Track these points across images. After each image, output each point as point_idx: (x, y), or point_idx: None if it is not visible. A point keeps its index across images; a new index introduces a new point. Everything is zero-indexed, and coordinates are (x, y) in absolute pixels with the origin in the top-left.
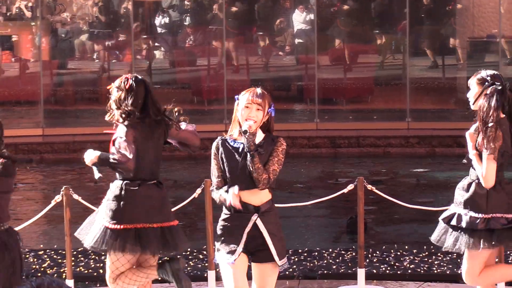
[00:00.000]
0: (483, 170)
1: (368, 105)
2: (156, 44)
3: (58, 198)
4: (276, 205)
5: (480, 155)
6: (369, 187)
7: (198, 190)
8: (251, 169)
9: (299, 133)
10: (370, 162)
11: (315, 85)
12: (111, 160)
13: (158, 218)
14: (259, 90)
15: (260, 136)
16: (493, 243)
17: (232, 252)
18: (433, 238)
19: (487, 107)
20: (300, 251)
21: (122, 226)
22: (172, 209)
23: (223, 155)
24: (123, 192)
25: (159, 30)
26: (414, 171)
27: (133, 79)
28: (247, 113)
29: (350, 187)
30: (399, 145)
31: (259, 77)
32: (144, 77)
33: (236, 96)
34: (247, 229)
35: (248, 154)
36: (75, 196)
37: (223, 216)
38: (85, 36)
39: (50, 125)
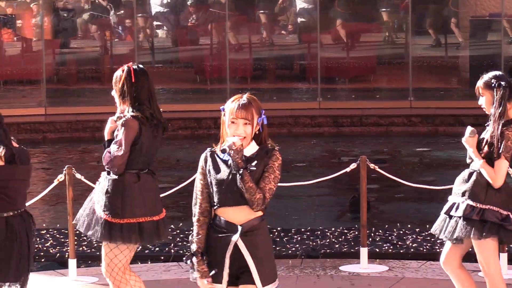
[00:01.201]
0: (497, 169)
1: (370, 84)
2: (159, 22)
3: (60, 177)
4: (279, 184)
5: (488, 161)
6: (372, 166)
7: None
8: (243, 189)
9: (301, 112)
10: (373, 141)
11: (317, 64)
12: (104, 159)
13: (155, 211)
14: (244, 99)
15: (253, 149)
16: (483, 234)
17: (216, 279)
18: (433, 229)
19: (500, 110)
20: (302, 230)
21: (125, 220)
22: (174, 189)
23: (211, 168)
24: (123, 186)
25: (161, 8)
26: (416, 150)
27: (137, 68)
28: (233, 130)
29: (353, 166)
30: (402, 124)
31: (261, 56)
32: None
33: (221, 107)
34: (229, 252)
35: (237, 173)
36: (78, 175)
37: (207, 236)
38: (87, 15)
39: (53, 104)
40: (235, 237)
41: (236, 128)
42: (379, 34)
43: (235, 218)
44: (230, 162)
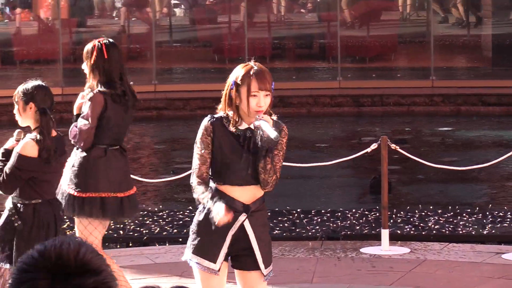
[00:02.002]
0: None
1: (391, 63)
2: (176, 1)
3: None
4: (298, 164)
5: None
6: (393, 146)
7: None
8: (261, 169)
9: (321, 91)
10: (394, 121)
11: (337, 43)
12: (70, 133)
13: (121, 188)
14: (258, 70)
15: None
16: None
17: (211, 258)
18: None
19: None
20: (323, 211)
21: (87, 194)
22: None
23: (221, 142)
24: (87, 161)
25: None
26: (438, 130)
27: (108, 43)
28: (255, 103)
29: (374, 146)
30: (424, 103)
31: (280, 35)
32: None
33: (232, 80)
34: (232, 231)
35: (264, 152)
36: None
37: (203, 210)
38: None
39: (69, 84)
40: (242, 217)
41: (258, 102)
42: (400, 12)
43: (242, 197)
44: (242, 138)
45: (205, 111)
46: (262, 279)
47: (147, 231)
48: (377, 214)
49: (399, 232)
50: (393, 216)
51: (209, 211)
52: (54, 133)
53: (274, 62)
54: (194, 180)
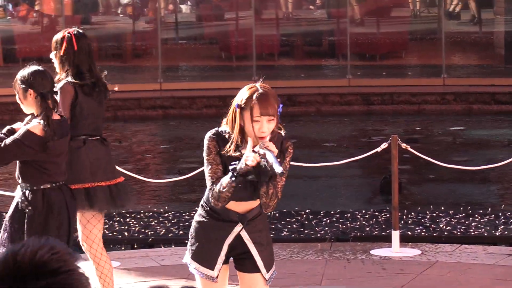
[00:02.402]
0: None
1: (402, 60)
2: None
3: None
4: (307, 164)
5: None
6: (404, 145)
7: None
8: (263, 193)
9: (330, 89)
10: (405, 119)
11: (347, 40)
12: None
13: (105, 177)
14: (262, 93)
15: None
16: None
17: (209, 265)
18: None
19: None
20: (332, 212)
21: (72, 187)
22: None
23: (225, 158)
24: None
25: None
26: (450, 129)
27: (78, 34)
28: (258, 129)
29: (384, 145)
30: (435, 102)
31: (288, 31)
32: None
33: (236, 104)
34: (228, 241)
35: (267, 179)
36: None
37: (199, 218)
38: None
39: None
40: (238, 228)
41: (261, 127)
42: (411, 9)
43: (237, 208)
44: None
45: (211, 109)
46: (264, 282)
47: (152, 232)
48: (387, 215)
49: (409, 233)
50: (404, 217)
51: (207, 217)
52: (56, 116)
53: (282, 59)
54: (212, 187)
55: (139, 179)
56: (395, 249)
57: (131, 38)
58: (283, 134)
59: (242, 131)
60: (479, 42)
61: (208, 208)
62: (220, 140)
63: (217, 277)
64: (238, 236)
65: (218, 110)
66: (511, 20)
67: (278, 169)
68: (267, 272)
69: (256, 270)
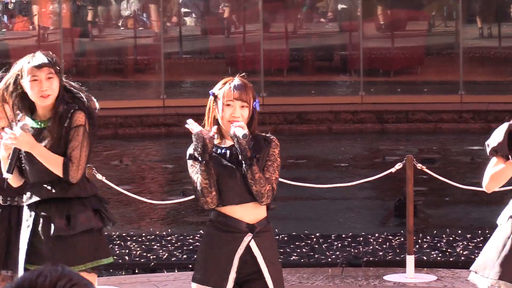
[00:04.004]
0: None
1: (417, 76)
2: (187, 9)
3: None
4: (318, 185)
5: None
6: (419, 166)
7: None
8: (251, 181)
9: (342, 107)
10: (420, 139)
11: (360, 55)
12: None
13: None
14: (238, 81)
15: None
16: None
17: (219, 284)
18: None
19: None
20: (343, 236)
21: None
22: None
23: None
24: None
25: None
26: (468, 149)
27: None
28: (229, 113)
29: (398, 166)
30: (452, 120)
31: (298, 46)
32: None
33: (210, 91)
34: (239, 253)
35: (244, 163)
36: (99, 176)
37: (206, 237)
38: (109, 2)
39: None
40: (248, 238)
41: (233, 112)
42: (427, 22)
43: (245, 217)
44: (228, 154)
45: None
46: None
47: (154, 256)
48: (402, 239)
49: (425, 258)
50: (419, 241)
51: (215, 231)
52: None
53: (291, 75)
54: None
55: (140, 200)
56: (410, 275)
57: (133, 52)
58: (264, 135)
59: (217, 123)
60: (499, 57)
61: (215, 222)
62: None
63: None
64: (248, 248)
65: None
66: None
67: (241, 133)
68: None
69: (264, 287)
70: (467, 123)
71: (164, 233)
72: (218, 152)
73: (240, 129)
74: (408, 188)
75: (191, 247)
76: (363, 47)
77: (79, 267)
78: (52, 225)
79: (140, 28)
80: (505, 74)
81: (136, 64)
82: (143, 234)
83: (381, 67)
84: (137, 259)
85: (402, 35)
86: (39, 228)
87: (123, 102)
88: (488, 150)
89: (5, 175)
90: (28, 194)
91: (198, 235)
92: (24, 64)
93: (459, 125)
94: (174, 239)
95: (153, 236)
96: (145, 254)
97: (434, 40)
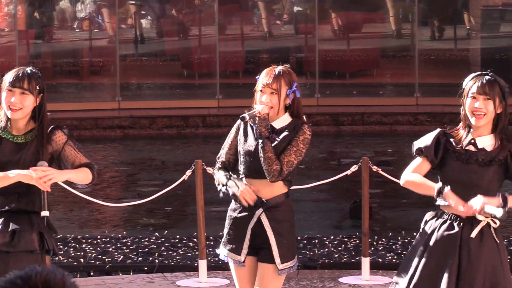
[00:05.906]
0: None
1: (373, 79)
2: (143, 12)
3: None
4: None
5: None
6: (375, 168)
7: (188, 172)
8: (261, 158)
9: None
10: (376, 141)
11: (315, 57)
12: None
13: None
14: (277, 70)
15: (284, 121)
16: None
17: (236, 250)
18: None
19: None
20: (299, 238)
21: None
22: (159, 193)
23: (241, 136)
24: None
25: None
26: None
27: None
28: (260, 98)
29: (354, 168)
30: (407, 122)
31: (254, 48)
32: None
33: (256, 76)
34: (251, 225)
35: (259, 141)
36: None
37: (232, 205)
38: (65, 3)
39: None
40: (259, 211)
41: (261, 97)
42: (383, 25)
43: (260, 192)
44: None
45: (172, 130)
46: (276, 273)
47: (109, 259)
48: (357, 241)
49: (380, 260)
50: (374, 243)
51: (236, 206)
52: None
53: (247, 77)
54: (217, 165)
55: (96, 202)
56: (365, 277)
57: (88, 54)
58: (305, 122)
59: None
60: (454, 60)
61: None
62: (241, 127)
63: (244, 262)
64: (259, 221)
65: (179, 131)
66: (487, 37)
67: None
68: (282, 263)
69: (271, 261)
70: (422, 125)
71: (119, 235)
72: (252, 128)
73: (252, 112)
74: (363, 191)
75: (146, 249)
76: (318, 49)
77: None
78: None
79: (95, 30)
80: (460, 76)
81: (92, 66)
82: (98, 237)
83: (336, 70)
84: (92, 261)
85: (358, 37)
86: None
87: (78, 105)
88: (414, 149)
89: (43, 213)
90: None
91: (154, 238)
92: (7, 76)
93: (414, 127)
94: (129, 241)
95: (108, 239)
96: (100, 256)
97: (389, 43)
